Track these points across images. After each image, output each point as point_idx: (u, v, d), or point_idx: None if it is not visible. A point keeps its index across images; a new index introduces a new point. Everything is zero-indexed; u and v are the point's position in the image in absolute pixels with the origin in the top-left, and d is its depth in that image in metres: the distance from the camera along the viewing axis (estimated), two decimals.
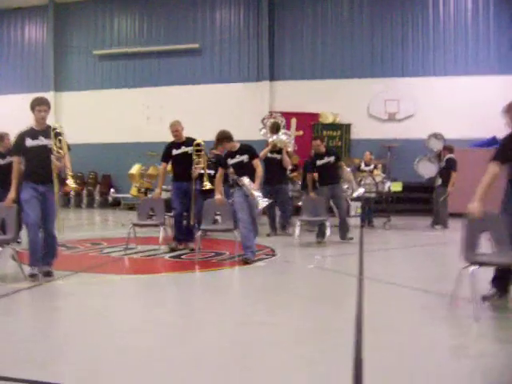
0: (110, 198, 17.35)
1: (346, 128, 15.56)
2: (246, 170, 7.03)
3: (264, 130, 10.11)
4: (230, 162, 7.18)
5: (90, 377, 3.18)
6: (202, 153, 7.89)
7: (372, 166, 12.65)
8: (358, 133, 15.39)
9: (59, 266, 6.15)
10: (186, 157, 7.91)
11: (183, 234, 8.02)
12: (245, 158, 7.07)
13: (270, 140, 9.96)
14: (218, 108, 16.37)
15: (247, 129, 14.79)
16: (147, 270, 6.89)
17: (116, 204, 17.12)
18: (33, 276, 5.71)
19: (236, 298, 5.52)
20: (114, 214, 15.41)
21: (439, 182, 11.32)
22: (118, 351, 3.63)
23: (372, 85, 15.49)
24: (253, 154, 7.12)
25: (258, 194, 6.92)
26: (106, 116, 17.40)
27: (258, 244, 8.63)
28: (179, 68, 17.23)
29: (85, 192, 17.51)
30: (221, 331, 4.16)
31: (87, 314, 4.66)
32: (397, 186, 11.93)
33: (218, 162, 8.01)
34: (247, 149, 7.16)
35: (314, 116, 15.53)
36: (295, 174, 11.97)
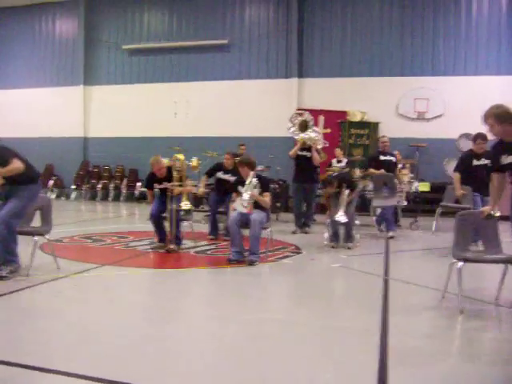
0: (136, 192, 17.47)
1: (373, 126, 15.38)
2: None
3: (293, 129, 10.03)
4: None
5: (113, 366, 3.19)
6: (182, 169, 7.48)
7: (400, 166, 12.46)
8: (386, 131, 15.20)
9: (87, 258, 6.20)
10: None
11: (164, 234, 7.66)
12: None
13: (299, 137, 9.88)
14: (245, 104, 16.34)
15: (274, 126, 14.70)
16: (173, 265, 6.93)
17: (142, 198, 17.22)
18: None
19: (260, 294, 5.49)
20: (140, 208, 15.52)
21: None
22: (141, 341, 3.65)
23: (401, 83, 15.26)
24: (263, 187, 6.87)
25: (240, 202, 6.54)
26: (134, 110, 17.51)
27: (283, 241, 8.64)
28: (207, 63, 17.22)
29: (112, 186, 17.68)
30: (244, 327, 4.14)
31: (111, 305, 4.70)
32: (425, 187, 11.75)
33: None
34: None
35: (342, 114, 15.37)
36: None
